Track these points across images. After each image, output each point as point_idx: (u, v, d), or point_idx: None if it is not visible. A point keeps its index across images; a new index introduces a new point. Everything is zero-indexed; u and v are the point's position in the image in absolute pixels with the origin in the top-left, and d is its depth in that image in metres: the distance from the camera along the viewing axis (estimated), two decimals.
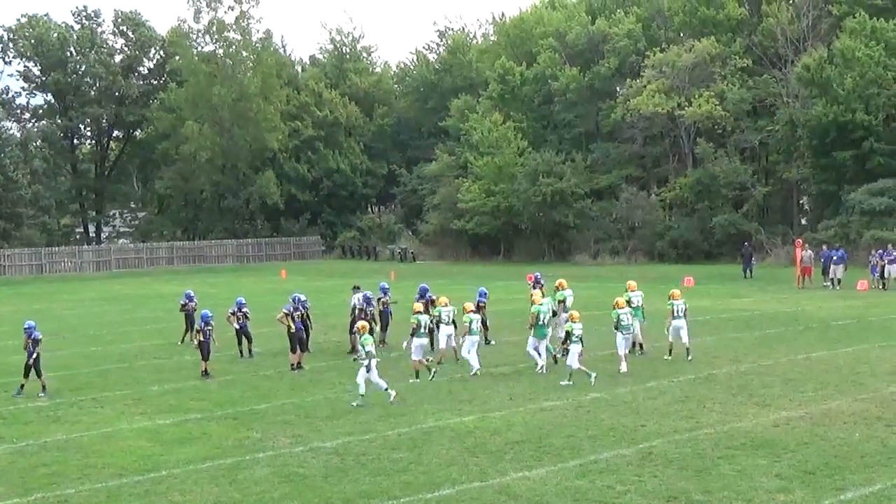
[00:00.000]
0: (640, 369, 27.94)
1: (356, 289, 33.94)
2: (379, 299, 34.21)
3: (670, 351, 30.06)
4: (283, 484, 17.51)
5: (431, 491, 16.74)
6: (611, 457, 18.60)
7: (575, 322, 27.03)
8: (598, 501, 15.99)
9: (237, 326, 32.63)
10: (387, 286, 35.54)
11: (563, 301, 32.11)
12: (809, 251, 53.87)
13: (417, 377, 27.43)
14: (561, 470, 17.82)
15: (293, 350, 30.28)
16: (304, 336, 31.27)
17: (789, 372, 27.06)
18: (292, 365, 30.16)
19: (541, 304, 29.27)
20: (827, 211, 71.67)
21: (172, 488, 17.44)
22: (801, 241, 57.05)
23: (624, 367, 27.75)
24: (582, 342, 26.88)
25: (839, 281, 51.65)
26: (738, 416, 21.68)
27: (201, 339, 28.86)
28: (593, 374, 26.15)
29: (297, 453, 19.64)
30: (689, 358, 29.52)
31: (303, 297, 32.63)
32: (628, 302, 29.88)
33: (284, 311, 30.76)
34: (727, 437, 19.86)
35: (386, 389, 24.28)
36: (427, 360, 28.28)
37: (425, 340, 28.73)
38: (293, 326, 30.27)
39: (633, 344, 30.39)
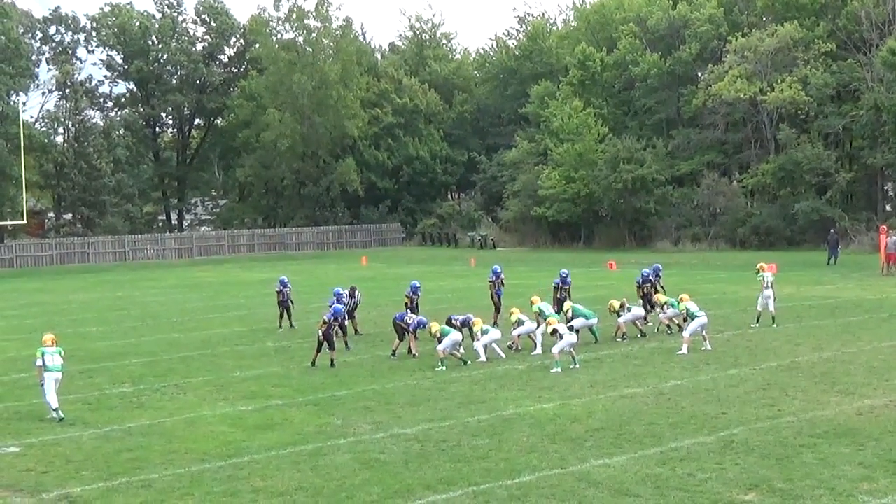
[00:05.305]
0: (722, 357, 27.76)
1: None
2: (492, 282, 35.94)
3: (757, 319, 33.67)
4: (364, 470, 17.58)
5: (511, 478, 16.71)
6: (692, 444, 18.46)
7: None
8: (678, 489, 15.88)
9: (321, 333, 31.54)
10: (499, 269, 36.71)
11: (539, 313, 30.23)
12: (894, 237, 53.05)
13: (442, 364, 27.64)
14: (641, 457, 17.73)
15: (401, 338, 30.23)
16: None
17: (873, 360, 26.71)
18: (393, 351, 30.00)
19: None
20: None
21: (254, 474, 17.57)
22: (885, 227, 56.28)
23: (708, 346, 29.04)
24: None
25: None
26: (821, 404, 21.43)
27: (325, 330, 28.25)
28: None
29: (377, 440, 19.70)
30: (774, 325, 33.04)
31: (417, 284, 32.99)
32: (762, 279, 33.79)
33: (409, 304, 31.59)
34: (810, 425, 19.64)
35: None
36: (458, 354, 28.13)
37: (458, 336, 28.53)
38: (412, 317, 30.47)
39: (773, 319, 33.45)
